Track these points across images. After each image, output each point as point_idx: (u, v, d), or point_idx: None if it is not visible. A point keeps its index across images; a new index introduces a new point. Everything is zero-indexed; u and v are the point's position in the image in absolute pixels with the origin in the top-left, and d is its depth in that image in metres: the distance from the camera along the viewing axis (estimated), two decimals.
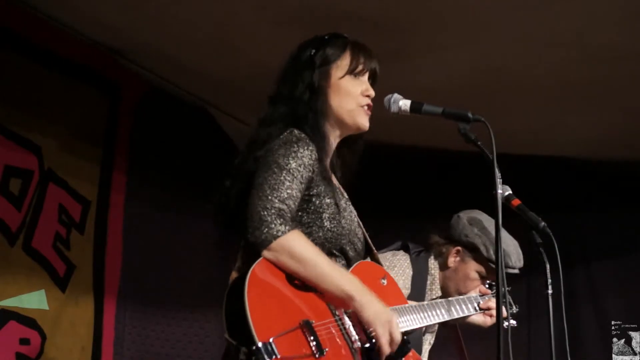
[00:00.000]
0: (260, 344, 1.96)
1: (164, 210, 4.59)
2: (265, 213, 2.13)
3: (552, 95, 4.71)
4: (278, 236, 2.11)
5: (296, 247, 2.13)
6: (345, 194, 2.52)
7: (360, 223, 2.50)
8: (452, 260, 3.26)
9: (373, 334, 2.18)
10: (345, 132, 2.48)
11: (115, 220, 4.24)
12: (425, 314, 2.59)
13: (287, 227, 2.13)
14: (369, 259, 2.60)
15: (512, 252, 3.21)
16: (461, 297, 2.94)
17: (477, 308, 2.97)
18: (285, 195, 2.18)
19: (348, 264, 2.39)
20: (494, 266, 3.16)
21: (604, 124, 5.05)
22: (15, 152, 3.63)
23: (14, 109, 3.63)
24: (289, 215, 2.17)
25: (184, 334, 4.70)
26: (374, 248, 2.58)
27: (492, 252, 3.18)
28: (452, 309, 2.80)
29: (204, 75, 4.49)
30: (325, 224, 2.30)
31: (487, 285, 3.08)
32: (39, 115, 3.76)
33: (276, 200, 2.15)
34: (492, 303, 2.97)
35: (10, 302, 3.56)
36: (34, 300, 3.68)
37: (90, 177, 4.12)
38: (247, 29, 3.94)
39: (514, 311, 3.15)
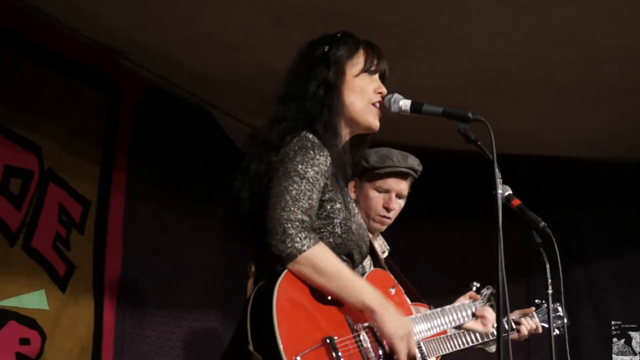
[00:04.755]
0: None
1: (164, 210, 4.59)
2: (290, 225, 2.12)
3: (552, 95, 4.71)
4: (303, 250, 2.12)
5: (321, 261, 2.14)
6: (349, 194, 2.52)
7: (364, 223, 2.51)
8: (352, 194, 3.27)
9: (392, 348, 2.21)
10: (355, 131, 2.48)
11: (115, 220, 4.23)
12: (431, 325, 2.64)
13: (311, 241, 2.13)
14: (371, 264, 2.61)
15: (394, 153, 3.30)
16: (457, 304, 2.93)
17: (473, 314, 2.96)
18: (307, 206, 2.18)
19: (353, 267, 2.39)
20: (379, 171, 3.25)
21: (604, 124, 5.05)
22: (15, 152, 3.62)
23: (14, 109, 3.62)
24: (311, 226, 2.18)
25: (184, 333, 4.70)
26: (378, 253, 2.59)
27: (371, 160, 3.25)
28: (453, 316, 2.82)
29: (204, 75, 4.49)
30: (337, 230, 2.30)
31: (474, 288, 3.06)
32: (39, 115, 3.75)
33: (299, 212, 2.15)
34: (486, 312, 2.93)
35: (10, 302, 3.56)
36: (34, 300, 3.68)
37: (90, 177, 4.12)
38: (248, 29, 3.93)
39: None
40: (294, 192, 2.18)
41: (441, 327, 2.72)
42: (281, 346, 1.99)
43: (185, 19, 3.85)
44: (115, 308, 4.19)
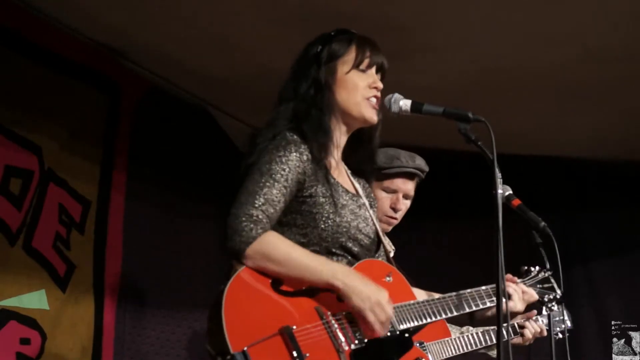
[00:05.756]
0: (234, 353, 1.98)
1: (164, 210, 4.59)
2: (237, 221, 2.13)
3: (551, 95, 4.71)
4: (250, 242, 2.11)
5: (270, 248, 2.13)
6: (356, 189, 2.51)
7: (373, 217, 2.49)
8: None
9: (364, 321, 2.17)
10: (353, 126, 2.48)
11: (115, 220, 4.24)
12: (433, 310, 2.45)
13: (258, 232, 2.12)
14: (381, 257, 2.58)
15: (402, 153, 3.29)
16: (476, 289, 2.78)
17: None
18: (262, 201, 2.18)
19: (356, 260, 2.38)
20: (387, 171, 3.24)
21: (603, 124, 5.05)
22: (16, 152, 3.63)
23: (14, 109, 3.62)
24: (264, 220, 2.16)
25: (184, 333, 4.70)
26: (385, 245, 2.56)
27: (379, 161, 3.13)
28: (464, 303, 2.58)
29: (204, 75, 4.49)
30: (320, 224, 2.30)
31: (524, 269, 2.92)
32: (39, 115, 3.76)
33: (250, 207, 2.15)
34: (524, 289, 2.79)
35: (10, 302, 3.56)
36: (34, 300, 3.68)
37: (90, 177, 4.12)
38: (248, 29, 3.94)
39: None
40: (251, 189, 2.19)
41: (446, 314, 2.51)
42: (227, 338, 1.99)
43: (185, 19, 3.85)
44: (115, 308, 4.19)
